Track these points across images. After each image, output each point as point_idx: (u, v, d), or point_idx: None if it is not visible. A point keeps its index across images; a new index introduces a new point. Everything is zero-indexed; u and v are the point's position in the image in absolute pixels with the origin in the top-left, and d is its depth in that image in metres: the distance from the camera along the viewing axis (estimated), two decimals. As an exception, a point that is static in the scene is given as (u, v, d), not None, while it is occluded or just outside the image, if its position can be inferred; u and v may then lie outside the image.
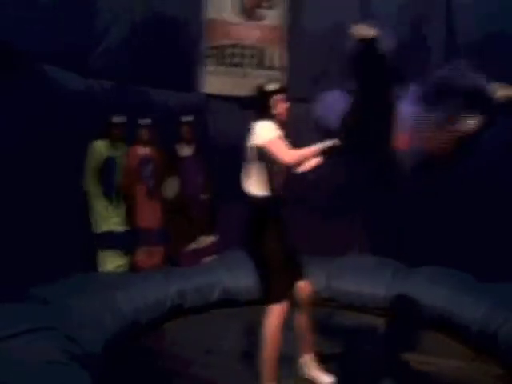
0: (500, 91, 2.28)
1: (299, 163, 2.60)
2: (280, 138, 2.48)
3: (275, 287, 2.56)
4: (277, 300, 2.54)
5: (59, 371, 2.23)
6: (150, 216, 4.28)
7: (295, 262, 2.69)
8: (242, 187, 2.65)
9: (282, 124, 2.59)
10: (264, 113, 2.58)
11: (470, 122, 2.26)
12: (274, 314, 2.54)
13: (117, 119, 4.09)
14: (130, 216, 4.24)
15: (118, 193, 4.18)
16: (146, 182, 4.30)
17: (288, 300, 2.57)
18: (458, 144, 2.33)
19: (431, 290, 3.67)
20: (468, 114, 2.26)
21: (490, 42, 4.04)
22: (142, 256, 4.22)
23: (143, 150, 4.29)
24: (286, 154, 2.45)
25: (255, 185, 2.58)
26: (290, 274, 2.62)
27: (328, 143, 2.53)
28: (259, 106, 2.61)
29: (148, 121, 4.28)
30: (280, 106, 2.59)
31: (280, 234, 2.59)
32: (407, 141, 2.44)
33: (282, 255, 2.57)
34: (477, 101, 2.25)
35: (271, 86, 2.62)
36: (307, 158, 2.57)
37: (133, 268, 4.17)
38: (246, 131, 5.27)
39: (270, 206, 2.59)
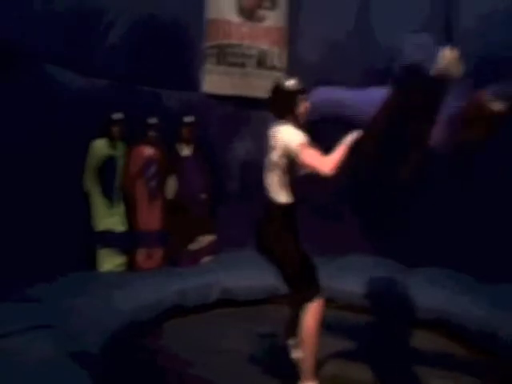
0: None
1: (337, 170, 2.36)
2: (309, 144, 2.39)
3: (306, 286, 2.54)
4: (310, 298, 2.51)
5: (58, 371, 2.23)
6: (150, 218, 4.28)
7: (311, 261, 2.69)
8: (265, 190, 2.58)
9: (303, 124, 2.52)
10: (288, 113, 2.49)
11: (497, 105, 2.31)
12: (311, 312, 2.50)
13: (114, 116, 4.09)
14: (130, 217, 4.24)
15: (118, 192, 4.18)
16: (148, 184, 4.30)
17: (322, 295, 2.55)
18: (485, 123, 2.37)
19: (430, 291, 3.68)
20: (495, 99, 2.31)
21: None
22: (142, 257, 4.23)
23: (149, 151, 4.30)
24: (322, 163, 2.33)
25: (279, 190, 2.52)
26: (314, 271, 2.63)
27: (351, 137, 2.41)
28: (282, 106, 2.51)
29: (155, 120, 4.29)
30: (303, 106, 2.52)
31: (297, 236, 2.60)
32: (441, 133, 2.45)
33: (302, 256, 2.57)
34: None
35: (294, 84, 2.50)
36: (341, 161, 2.37)
37: (132, 268, 4.17)
38: (245, 131, 5.29)
39: (292, 211, 2.57)
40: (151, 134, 4.29)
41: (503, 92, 2.33)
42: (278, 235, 2.53)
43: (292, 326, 2.69)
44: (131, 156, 4.23)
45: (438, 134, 2.48)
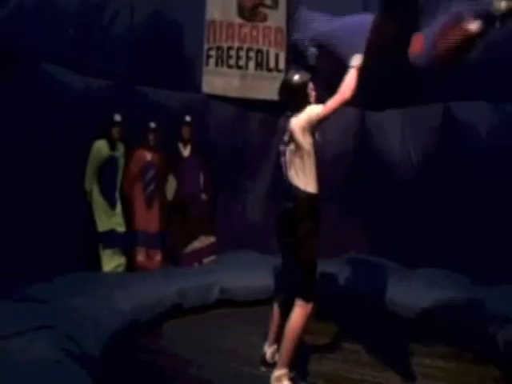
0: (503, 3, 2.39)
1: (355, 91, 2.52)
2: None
3: (312, 287, 2.60)
4: (310, 299, 2.58)
5: (58, 371, 2.22)
6: (148, 220, 4.30)
7: None
8: (289, 181, 2.62)
9: None
10: (303, 105, 2.59)
11: (474, 25, 2.40)
12: (304, 312, 2.57)
13: (116, 118, 4.10)
14: (130, 218, 4.25)
15: (118, 193, 4.19)
16: (147, 188, 4.32)
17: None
18: (464, 44, 2.48)
19: (430, 292, 3.68)
20: (472, 19, 2.41)
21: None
22: (141, 257, 4.24)
23: (149, 156, 4.32)
24: (342, 94, 2.47)
25: (306, 178, 2.59)
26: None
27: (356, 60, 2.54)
28: (298, 98, 2.62)
29: (154, 124, 4.32)
30: (312, 95, 2.65)
31: (317, 233, 2.64)
32: (421, 45, 2.53)
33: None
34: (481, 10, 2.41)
35: (302, 77, 2.63)
36: (355, 82, 2.51)
37: (132, 268, 4.17)
38: (245, 131, 5.29)
39: (317, 203, 2.63)
40: (151, 137, 4.31)
41: (478, 12, 2.42)
42: (308, 233, 2.57)
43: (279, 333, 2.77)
44: (131, 160, 4.25)
45: (418, 44, 2.58)
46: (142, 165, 4.30)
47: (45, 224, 3.52)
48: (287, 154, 2.64)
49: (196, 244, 4.49)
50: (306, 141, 2.56)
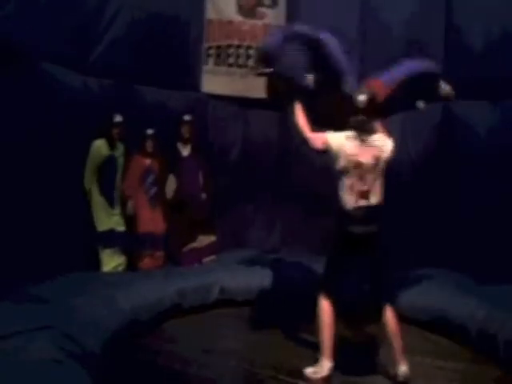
0: (446, 89, 3.08)
1: None
2: None
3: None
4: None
5: (58, 370, 2.23)
6: (151, 222, 4.29)
7: None
8: (372, 203, 2.74)
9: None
10: (374, 120, 2.81)
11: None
12: (393, 309, 2.87)
13: (116, 119, 4.09)
14: (132, 221, 4.25)
15: (118, 192, 4.19)
16: (148, 191, 4.31)
17: None
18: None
19: (431, 291, 3.68)
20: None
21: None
22: (148, 260, 4.24)
23: (147, 162, 4.31)
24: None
25: (381, 193, 2.78)
26: None
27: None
28: (369, 116, 2.74)
29: (152, 130, 4.30)
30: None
31: None
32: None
33: None
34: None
35: (368, 93, 2.77)
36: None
37: (132, 268, 4.17)
38: (244, 130, 5.27)
39: None
40: (148, 144, 4.29)
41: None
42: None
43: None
44: (130, 166, 4.24)
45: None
46: (141, 171, 4.28)
47: (45, 224, 3.51)
48: (369, 176, 2.71)
49: (195, 243, 4.49)
50: (385, 164, 2.76)
